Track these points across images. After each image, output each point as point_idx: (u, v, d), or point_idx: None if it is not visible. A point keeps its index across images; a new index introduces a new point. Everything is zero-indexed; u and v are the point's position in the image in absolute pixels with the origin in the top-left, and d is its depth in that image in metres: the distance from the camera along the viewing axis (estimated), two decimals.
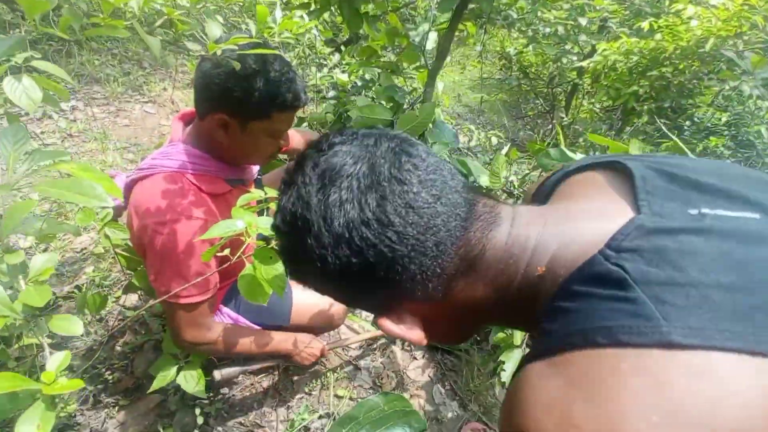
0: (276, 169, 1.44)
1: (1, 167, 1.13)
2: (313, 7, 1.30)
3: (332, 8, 1.33)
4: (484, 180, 1.41)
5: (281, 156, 1.46)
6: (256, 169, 1.10)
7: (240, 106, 0.81)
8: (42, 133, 1.98)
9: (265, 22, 0.81)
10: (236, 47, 0.66)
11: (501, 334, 1.07)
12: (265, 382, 1.25)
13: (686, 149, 0.99)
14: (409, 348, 1.43)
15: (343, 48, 2.19)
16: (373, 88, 1.77)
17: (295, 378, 1.27)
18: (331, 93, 1.92)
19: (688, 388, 0.25)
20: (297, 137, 1.27)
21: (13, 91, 0.55)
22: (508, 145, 2.39)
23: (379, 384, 1.31)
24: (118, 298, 1.34)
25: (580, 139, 2.93)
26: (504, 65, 3.27)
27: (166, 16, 0.67)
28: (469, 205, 0.38)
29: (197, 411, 1.13)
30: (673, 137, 1.02)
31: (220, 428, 1.14)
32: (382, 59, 1.69)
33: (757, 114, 2.02)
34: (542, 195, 0.49)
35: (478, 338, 1.44)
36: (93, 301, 0.94)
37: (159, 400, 1.15)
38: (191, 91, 2.61)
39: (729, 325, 0.27)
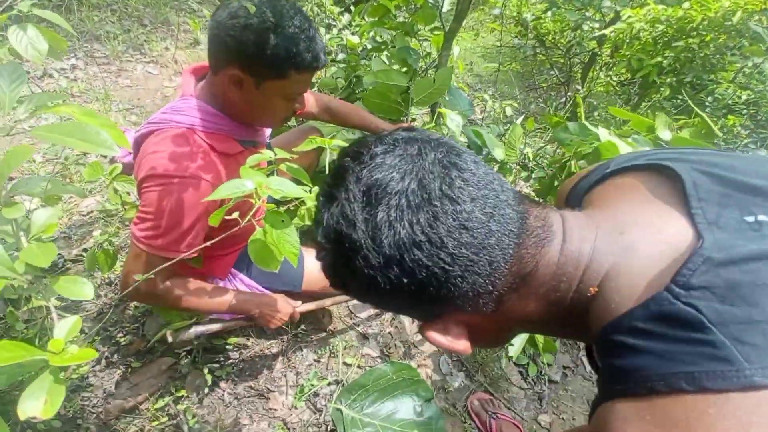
0: (284, 133, 1.40)
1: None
2: None
3: None
4: (498, 153, 1.37)
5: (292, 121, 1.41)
6: (268, 132, 1.06)
7: (254, 62, 0.77)
8: (43, 92, 1.93)
9: None
10: None
11: None
12: (275, 348, 1.26)
13: (714, 127, 0.95)
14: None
15: (353, 8, 2.08)
16: (385, 51, 1.70)
17: (303, 345, 1.28)
18: (341, 56, 1.84)
19: None
20: (311, 100, 1.22)
21: (18, 41, 0.51)
22: (523, 116, 2.31)
23: (386, 353, 1.32)
24: None
25: (595, 113, 2.85)
26: (519, 32, 3.12)
27: None
28: (521, 219, 0.38)
29: (206, 372, 1.14)
30: (702, 114, 0.98)
31: (230, 391, 1.16)
32: (395, 20, 1.61)
33: None
34: (578, 196, 0.48)
35: None
36: (104, 259, 0.92)
37: (170, 363, 1.17)
38: (195, 52, 2.53)
39: None
